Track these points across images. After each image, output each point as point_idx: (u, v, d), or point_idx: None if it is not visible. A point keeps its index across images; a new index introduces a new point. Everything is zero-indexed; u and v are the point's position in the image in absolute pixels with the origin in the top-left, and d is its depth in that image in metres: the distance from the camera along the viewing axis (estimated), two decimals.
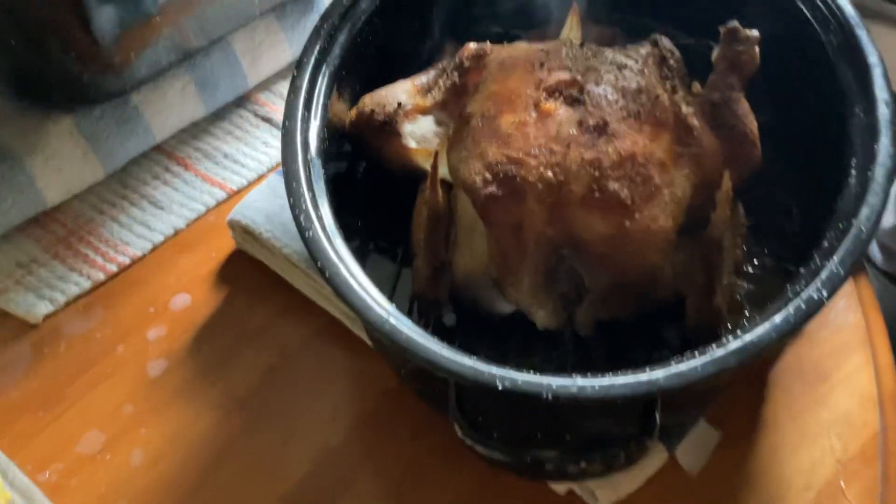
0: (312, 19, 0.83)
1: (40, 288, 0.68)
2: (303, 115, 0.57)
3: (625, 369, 0.44)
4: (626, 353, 0.55)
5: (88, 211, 0.73)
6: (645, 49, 0.60)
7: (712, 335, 0.54)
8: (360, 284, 0.48)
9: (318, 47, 0.61)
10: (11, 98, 0.73)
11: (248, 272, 0.68)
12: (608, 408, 0.44)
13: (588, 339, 0.55)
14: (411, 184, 0.62)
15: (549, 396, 0.42)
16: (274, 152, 0.78)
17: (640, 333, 0.56)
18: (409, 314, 0.58)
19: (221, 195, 0.74)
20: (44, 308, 0.67)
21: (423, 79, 0.69)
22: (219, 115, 0.80)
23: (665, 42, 0.61)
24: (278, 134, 0.79)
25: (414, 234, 0.59)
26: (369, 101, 0.63)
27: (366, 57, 0.67)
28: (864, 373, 0.58)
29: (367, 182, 0.67)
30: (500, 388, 0.43)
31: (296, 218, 0.51)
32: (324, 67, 0.61)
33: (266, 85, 0.82)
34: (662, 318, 0.57)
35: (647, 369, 0.43)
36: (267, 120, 0.81)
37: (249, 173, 0.76)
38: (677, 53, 0.62)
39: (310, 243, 0.50)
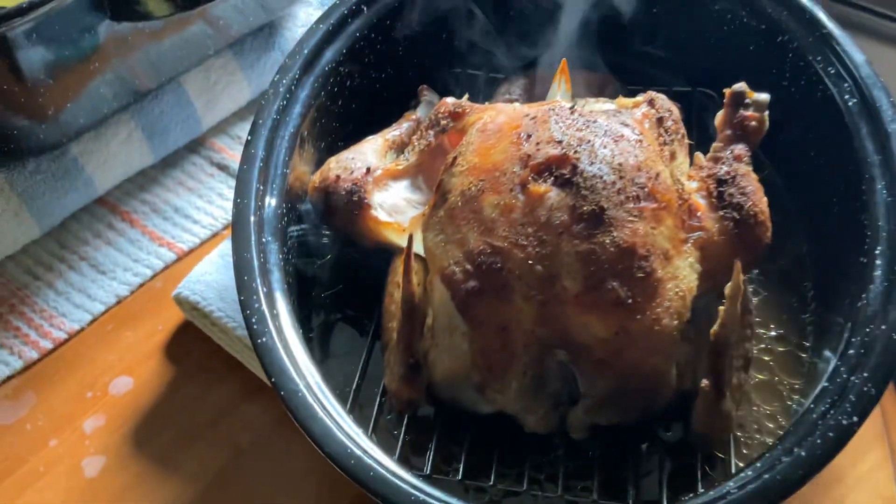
0: (273, 57, 0.76)
1: None
2: (257, 191, 0.50)
3: None
4: (623, 457, 0.50)
5: (22, 275, 0.66)
6: (640, 110, 0.54)
7: (720, 440, 0.49)
8: (321, 405, 0.42)
9: (275, 106, 0.54)
10: None
11: (198, 350, 0.61)
12: None
13: (582, 442, 0.49)
14: (381, 252, 0.56)
15: None
16: (230, 205, 0.70)
17: (637, 434, 0.50)
18: (380, 403, 0.52)
19: (170, 257, 0.67)
20: None
21: (395, 132, 0.62)
22: (169, 163, 0.73)
23: (662, 101, 0.55)
24: (234, 184, 0.72)
25: (385, 321, 0.52)
26: (335, 164, 0.57)
27: (331, 112, 0.60)
28: (882, 472, 0.53)
29: (332, 248, 0.61)
30: None
31: (247, 320, 0.44)
32: (282, 129, 0.54)
33: (222, 128, 0.75)
34: (661, 416, 0.51)
35: None
36: (223, 168, 0.73)
37: (202, 231, 0.69)
38: (675, 113, 0.56)
39: (263, 352, 0.43)
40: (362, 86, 0.63)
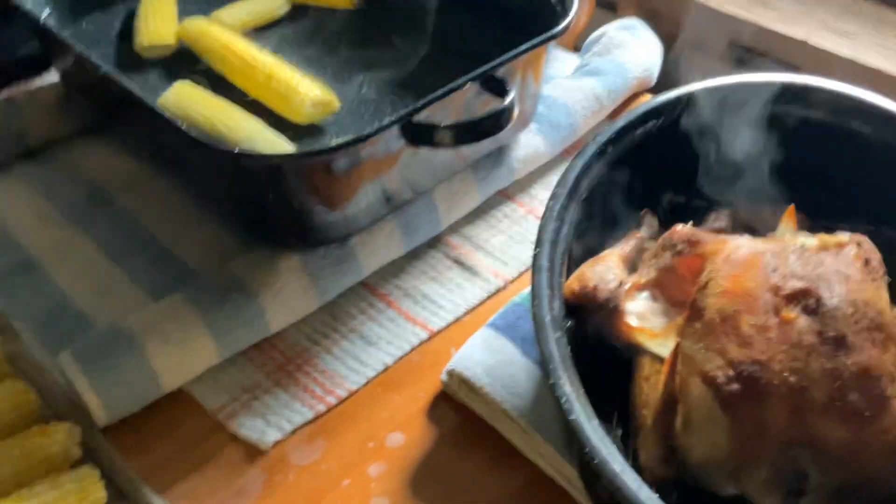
0: (499, 172, 0.92)
1: (266, 414, 0.74)
2: (548, 296, 0.63)
3: None
4: None
5: (303, 340, 0.80)
6: (851, 251, 0.66)
7: None
8: (622, 469, 0.54)
9: (552, 227, 0.68)
10: (246, 239, 0.82)
11: (455, 416, 0.73)
12: None
13: None
14: (618, 349, 0.68)
15: None
16: (467, 295, 0.84)
17: None
18: None
19: (423, 335, 0.81)
20: (273, 435, 0.73)
21: (625, 249, 0.75)
22: (414, 255, 0.87)
23: (867, 244, 0.67)
24: (468, 276, 0.86)
25: (637, 410, 0.64)
26: (591, 275, 0.69)
27: (581, 230, 0.74)
28: None
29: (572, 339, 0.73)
30: None
31: (558, 400, 0.56)
32: (559, 247, 0.67)
33: (455, 228, 0.90)
34: None
35: None
36: (458, 262, 0.87)
37: (447, 315, 0.83)
38: (877, 255, 0.67)
39: (575, 426, 0.55)
40: (601, 209, 0.77)
